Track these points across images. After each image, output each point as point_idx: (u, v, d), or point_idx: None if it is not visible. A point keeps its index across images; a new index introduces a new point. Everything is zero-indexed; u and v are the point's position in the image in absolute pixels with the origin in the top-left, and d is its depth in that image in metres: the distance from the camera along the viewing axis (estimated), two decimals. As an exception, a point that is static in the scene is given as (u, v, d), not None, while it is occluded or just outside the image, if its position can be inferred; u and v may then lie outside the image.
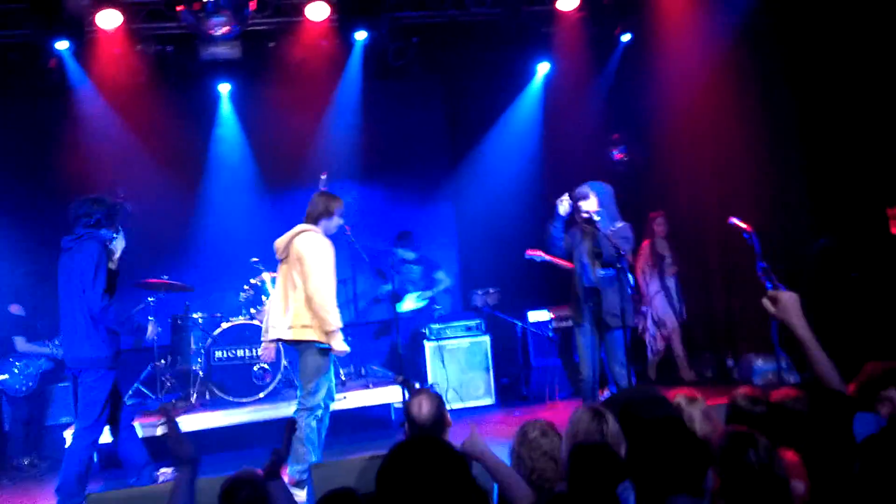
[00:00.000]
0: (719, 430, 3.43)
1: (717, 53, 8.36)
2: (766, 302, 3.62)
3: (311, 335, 5.91)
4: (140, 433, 6.57)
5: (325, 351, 5.97)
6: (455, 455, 2.51)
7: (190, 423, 7.20)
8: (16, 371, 7.69)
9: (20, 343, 7.73)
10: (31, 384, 7.74)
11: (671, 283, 8.87)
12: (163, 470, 6.35)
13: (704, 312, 9.14)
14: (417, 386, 6.32)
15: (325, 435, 6.13)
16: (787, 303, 3.60)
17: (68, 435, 6.92)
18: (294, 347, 6.10)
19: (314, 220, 6.13)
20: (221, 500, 3.56)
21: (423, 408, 4.06)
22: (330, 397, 6.15)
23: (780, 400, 3.83)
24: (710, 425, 3.67)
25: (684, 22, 8.46)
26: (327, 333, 5.87)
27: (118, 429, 6.35)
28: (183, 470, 3.48)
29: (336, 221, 6.18)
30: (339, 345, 5.93)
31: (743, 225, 6.85)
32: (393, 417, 7.73)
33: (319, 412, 6.01)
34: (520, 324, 8.83)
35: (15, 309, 7.72)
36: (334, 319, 5.87)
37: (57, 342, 7.64)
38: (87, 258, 6.08)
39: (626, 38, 9.22)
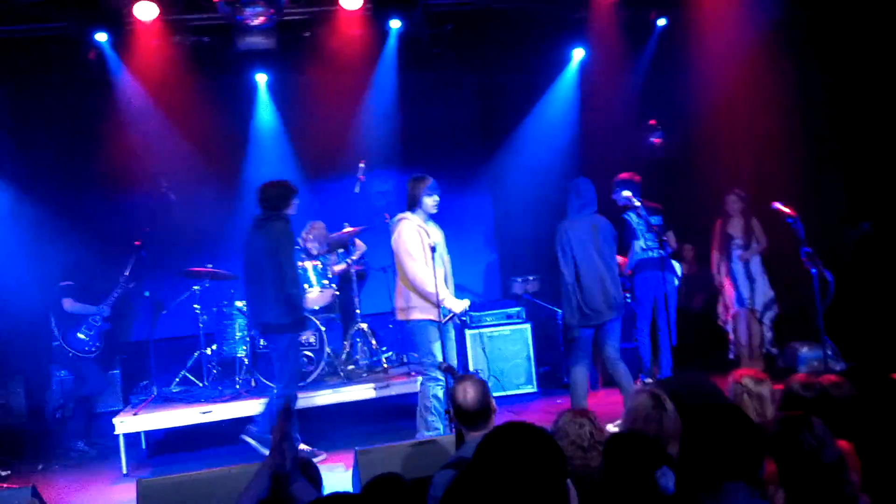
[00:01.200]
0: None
1: (753, 38, 8.31)
2: None
3: (414, 315, 6.38)
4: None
5: (428, 324, 6.35)
6: (551, 440, 2.56)
7: (234, 410, 7.32)
8: (85, 331, 7.80)
9: (68, 303, 7.78)
10: (98, 343, 7.83)
11: (739, 265, 8.50)
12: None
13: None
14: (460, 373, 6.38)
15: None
16: None
17: (117, 422, 7.10)
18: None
19: (409, 208, 6.56)
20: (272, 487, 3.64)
21: (468, 393, 4.11)
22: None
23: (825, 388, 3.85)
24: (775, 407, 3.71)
25: (720, 6, 8.40)
26: (438, 305, 6.25)
27: None
28: (272, 460, 3.53)
29: (427, 202, 6.50)
30: (454, 305, 6.34)
31: (786, 210, 6.83)
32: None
33: (442, 382, 6.30)
34: (560, 311, 8.82)
35: (68, 304, 7.83)
36: (433, 292, 6.23)
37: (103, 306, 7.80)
38: (280, 235, 6.64)
39: (661, 22, 9.19)
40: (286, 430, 3.63)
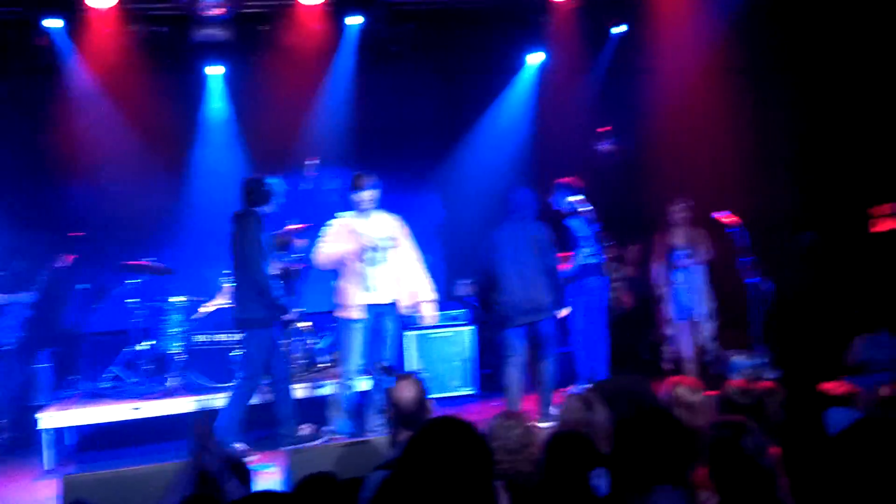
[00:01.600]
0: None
1: (709, 47, 8.37)
2: None
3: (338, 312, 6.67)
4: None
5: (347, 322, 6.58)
6: (478, 436, 2.52)
7: (166, 407, 7.17)
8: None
9: None
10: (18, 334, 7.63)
11: (681, 276, 8.16)
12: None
13: None
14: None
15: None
16: None
17: (42, 417, 6.90)
18: None
19: None
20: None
21: (405, 394, 4.08)
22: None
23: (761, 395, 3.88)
24: (708, 415, 3.71)
25: (678, 15, 8.48)
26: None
27: None
28: (195, 458, 3.44)
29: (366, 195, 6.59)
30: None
31: (728, 219, 6.85)
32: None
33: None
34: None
35: None
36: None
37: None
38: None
39: (619, 29, 9.20)
40: (208, 427, 3.58)
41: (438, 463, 2.40)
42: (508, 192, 7.25)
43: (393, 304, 6.72)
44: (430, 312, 6.92)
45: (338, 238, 6.51)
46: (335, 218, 6.71)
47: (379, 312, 6.59)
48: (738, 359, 7.81)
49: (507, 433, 3.40)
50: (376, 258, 6.43)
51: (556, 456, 3.12)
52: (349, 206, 6.79)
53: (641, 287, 8.75)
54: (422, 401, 4.12)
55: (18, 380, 7.83)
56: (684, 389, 4.05)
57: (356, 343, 6.47)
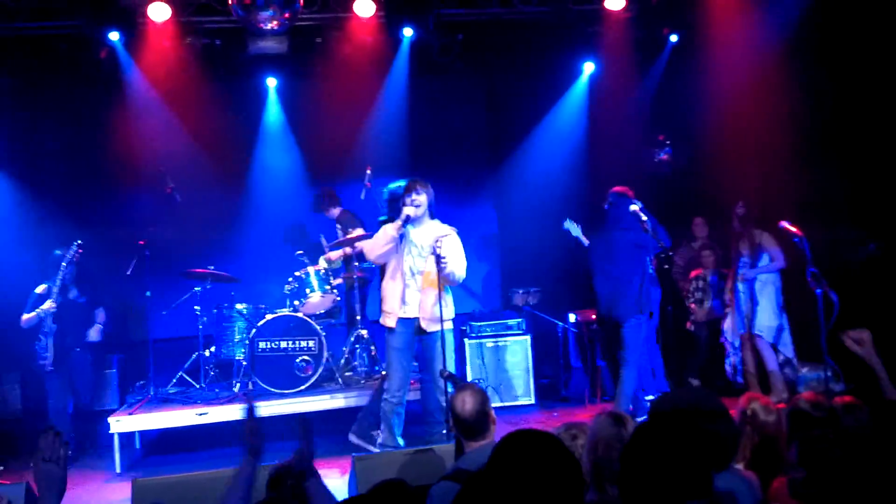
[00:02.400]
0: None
1: (764, 56, 8.28)
2: (849, 342, 3.68)
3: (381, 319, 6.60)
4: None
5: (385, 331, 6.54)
6: (569, 455, 2.43)
7: (231, 412, 7.29)
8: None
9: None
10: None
11: (744, 285, 8.02)
12: None
13: None
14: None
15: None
16: (868, 342, 3.64)
17: (113, 421, 7.09)
18: None
19: None
20: (269, 487, 3.60)
21: (466, 404, 4.05)
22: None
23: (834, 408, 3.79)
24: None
25: (732, 23, 8.38)
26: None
27: None
28: (248, 460, 3.49)
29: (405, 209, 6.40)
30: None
31: (793, 229, 6.80)
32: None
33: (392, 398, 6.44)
34: (560, 324, 8.81)
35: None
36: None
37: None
38: None
39: (673, 38, 9.21)
40: (257, 425, 3.61)
41: (526, 476, 2.32)
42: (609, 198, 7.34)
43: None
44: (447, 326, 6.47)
45: (386, 239, 6.39)
46: (387, 220, 6.67)
47: (417, 325, 6.45)
48: (805, 371, 7.77)
49: (615, 433, 3.32)
50: (418, 268, 6.40)
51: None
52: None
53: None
54: (484, 411, 4.12)
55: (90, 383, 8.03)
56: (759, 406, 3.97)
57: (397, 355, 6.43)
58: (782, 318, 7.90)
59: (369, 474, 4.72)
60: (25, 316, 7.46)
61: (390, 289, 6.41)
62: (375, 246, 6.44)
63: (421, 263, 6.40)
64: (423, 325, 6.39)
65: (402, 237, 6.35)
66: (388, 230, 6.34)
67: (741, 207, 8.05)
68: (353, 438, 6.83)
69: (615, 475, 3.10)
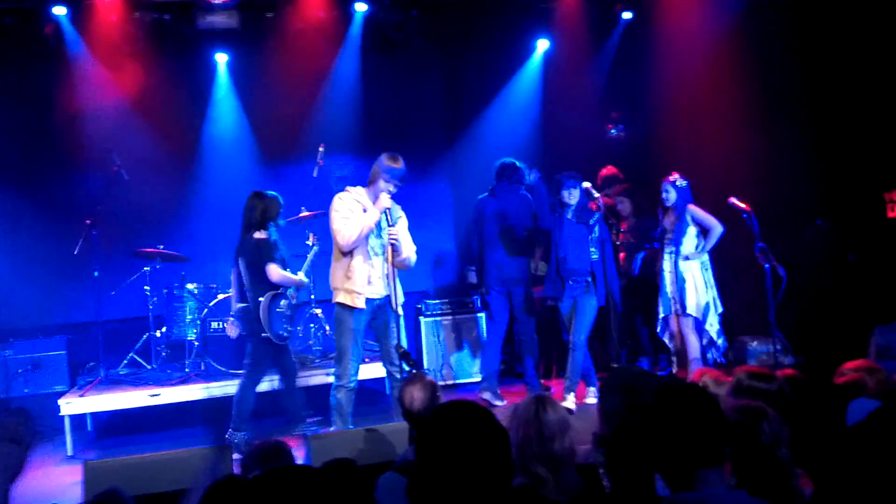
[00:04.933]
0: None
1: (718, 30, 8.38)
2: None
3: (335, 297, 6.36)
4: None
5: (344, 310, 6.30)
6: (501, 430, 2.45)
7: (183, 393, 7.23)
8: None
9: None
10: None
11: (667, 265, 7.66)
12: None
13: None
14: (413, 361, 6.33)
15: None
16: None
17: (63, 403, 6.99)
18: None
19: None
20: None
21: (416, 400, 4.06)
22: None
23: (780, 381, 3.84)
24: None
25: (686, 0, 8.46)
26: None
27: None
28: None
29: (380, 185, 6.25)
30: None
31: (742, 205, 6.89)
32: (388, 392, 7.71)
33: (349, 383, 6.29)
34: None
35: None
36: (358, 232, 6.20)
37: None
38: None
39: (626, 15, 9.25)
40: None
41: (454, 448, 2.35)
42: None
43: (388, 297, 6.41)
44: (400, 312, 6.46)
45: (356, 213, 6.22)
46: (343, 191, 6.39)
47: (378, 305, 6.39)
48: (754, 345, 7.87)
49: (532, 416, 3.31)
50: (381, 248, 6.33)
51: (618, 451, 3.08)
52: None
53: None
54: (434, 402, 4.13)
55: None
56: (709, 380, 4.04)
57: (355, 336, 6.29)
58: (709, 293, 7.51)
59: (324, 453, 4.69)
60: None
61: (358, 268, 6.23)
62: (353, 234, 6.15)
63: (380, 243, 6.34)
64: (395, 304, 6.31)
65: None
66: (367, 222, 6.16)
67: (665, 184, 7.55)
68: None
69: (538, 455, 3.16)
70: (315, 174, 8.16)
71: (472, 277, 8.65)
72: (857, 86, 7.54)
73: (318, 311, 8.17)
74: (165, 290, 8.07)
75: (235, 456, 4.78)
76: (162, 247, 7.97)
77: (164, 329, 8.01)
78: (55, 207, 8.53)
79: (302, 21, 8.80)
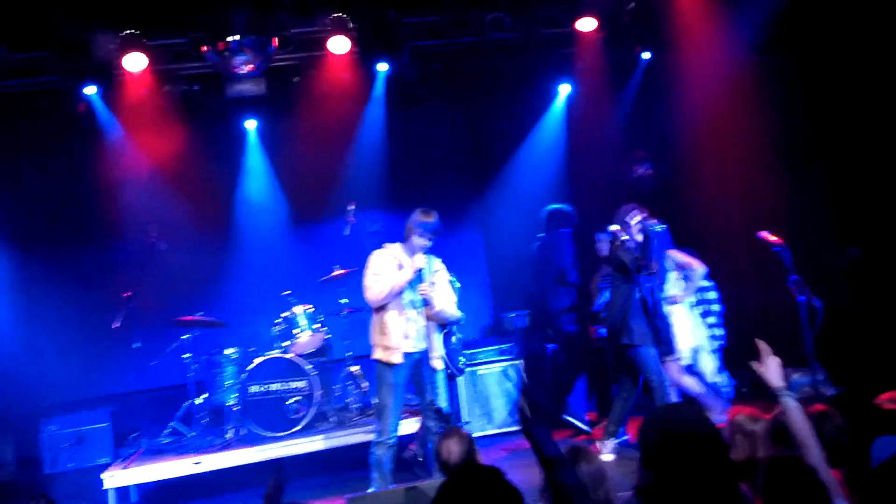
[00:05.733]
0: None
1: (736, 68, 8.37)
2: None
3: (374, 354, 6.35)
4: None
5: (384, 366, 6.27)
6: (512, 490, 2.49)
7: (225, 460, 7.25)
8: None
9: None
10: None
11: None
12: None
13: (738, 328, 8.82)
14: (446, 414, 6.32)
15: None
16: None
17: (106, 476, 7.04)
18: None
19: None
20: None
21: (453, 453, 4.07)
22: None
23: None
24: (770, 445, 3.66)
25: (703, 38, 8.48)
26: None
27: None
28: None
29: (416, 241, 6.26)
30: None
31: (773, 238, 6.81)
32: (429, 447, 7.65)
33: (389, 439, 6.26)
34: (551, 346, 8.77)
35: None
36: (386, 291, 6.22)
37: None
38: None
39: (646, 56, 9.26)
40: (280, 482, 3.57)
41: None
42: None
43: (425, 351, 6.42)
44: (438, 366, 6.47)
45: (388, 270, 6.26)
46: (381, 249, 6.45)
47: (417, 359, 6.38)
48: (796, 377, 7.70)
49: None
50: (419, 301, 6.32)
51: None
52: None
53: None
54: (469, 456, 4.11)
55: None
56: (744, 418, 4.00)
57: (395, 392, 6.27)
58: (698, 335, 7.52)
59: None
60: None
61: (393, 323, 6.24)
62: (383, 291, 6.19)
63: (418, 298, 6.33)
64: (433, 361, 6.33)
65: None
66: (398, 280, 6.18)
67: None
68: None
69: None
70: (346, 232, 8.21)
71: (509, 324, 8.65)
72: (878, 113, 7.46)
73: (356, 367, 8.16)
74: (205, 357, 8.14)
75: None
76: (200, 314, 8.06)
77: (205, 395, 8.07)
78: (94, 280, 8.71)
79: (327, 84, 8.89)
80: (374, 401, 7.81)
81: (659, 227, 7.25)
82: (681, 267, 7.51)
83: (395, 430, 6.35)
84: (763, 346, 3.63)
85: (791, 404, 3.40)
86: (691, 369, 7.42)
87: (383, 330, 6.29)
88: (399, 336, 6.25)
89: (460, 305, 7.08)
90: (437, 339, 6.43)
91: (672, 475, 3.02)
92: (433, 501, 2.52)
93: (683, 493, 2.78)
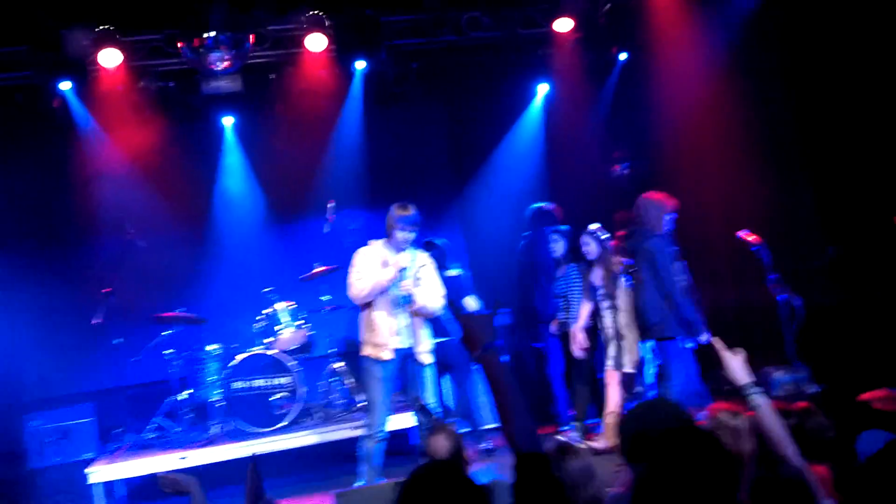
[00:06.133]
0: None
1: (712, 67, 8.52)
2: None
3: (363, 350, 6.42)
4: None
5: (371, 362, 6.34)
6: (473, 486, 2.49)
7: (211, 455, 7.25)
8: None
9: None
10: None
11: (606, 320, 7.51)
12: None
13: (718, 328, 8.81)
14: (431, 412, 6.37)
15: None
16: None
17: (91, 472, 7.02)
18: None
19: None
20: None
21: (440, 449, 4.11)
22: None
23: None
24: (753, 440, 3.58)
25: (680, 37, 8.62)
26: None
27: None
28: None
29: (398, 236, 6.34)
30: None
31: (751, 238, 6.97)
32: (410, 443, 7.74)
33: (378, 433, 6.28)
34: (542, 344, 8.82)
35: None
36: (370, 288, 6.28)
37: None
38: None
39: (622, 56, 9.41)
40: (258, 488, 3.58)
41: None
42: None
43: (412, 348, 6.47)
44: (427, 361, 6.51)
45: (372, 268, 6.31)
46: (364, 246, 6.51)
47: (406, 354, 6.42)
48: (778, 375, 7.88)
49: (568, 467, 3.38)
50: (404, 297, 6.35)
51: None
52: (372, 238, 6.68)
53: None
54: (459, 453, 4.18)
55: None
56: (725, 414, 4.05)
57: (384, 387, 6.31)
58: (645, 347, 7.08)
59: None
60: None
61: (381, 320, 6.30)
62: (365, 289, 6.26)
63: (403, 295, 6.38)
64: (421, 356, 6.39)
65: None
66: (381, 279, 6.24)
67: (591, 234, 7.44)
68: None
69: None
70: (326, 230, 8.23)
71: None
72: (859, 110, 7.62)
73: (340, 364, 8.20)
74: (187, 353, 8.10)
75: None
76: (181, 310, 8.04)
77: (189, 391, 8.04)
78: (73, 276, 8.64)
79: (304, 81, 8.91)
80: (360, 397, 7.95)
81: (602, 234, 7.42)
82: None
83: (384, 425, 6.39)
84: (718, 343, 3.62)
85: (760, 401, 3.38)
86: (636, 382, 7.17)
87: (371, 327, 6.35)
88: (387, 333, 6.30)
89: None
90: (424, 334, 6.48)
91: (661, 469, 3.13)
92: (397, 499, 2.50)
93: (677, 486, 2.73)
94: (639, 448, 3.38)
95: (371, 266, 6.32)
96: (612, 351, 7.30)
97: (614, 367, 7.26)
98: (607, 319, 7.37)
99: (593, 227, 7.50)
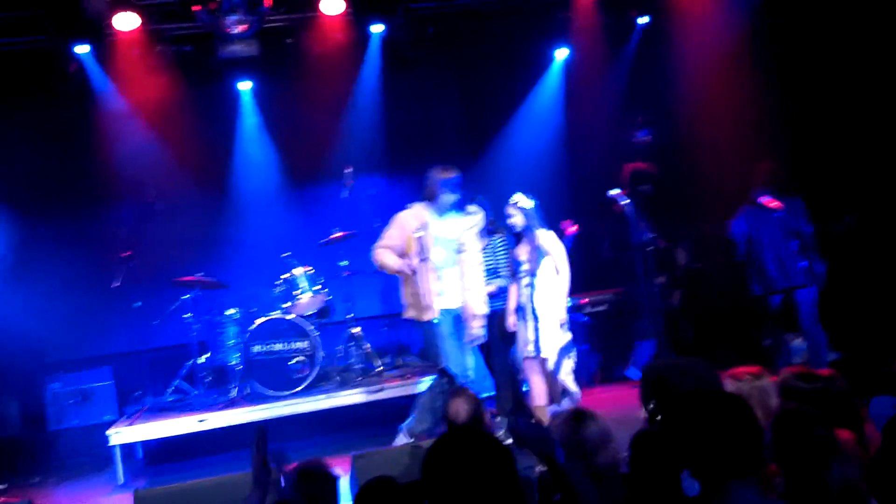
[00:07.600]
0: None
1: (734, 29, 8.42)
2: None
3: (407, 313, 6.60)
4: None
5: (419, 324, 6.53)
6: (499, 447, 2.48)
7: (230, 417, 7.32)
8: None
9: None
10: None
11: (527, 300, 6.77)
12: None
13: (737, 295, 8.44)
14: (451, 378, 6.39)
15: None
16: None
17: (112, 433, 7.11)
18: None
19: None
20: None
21: (461, 413, 4.14)
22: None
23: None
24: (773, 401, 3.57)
25: (699, 3, 8.52)
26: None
27: None
28: (255, 492, 3.49)
29: (443, 199, 6.50)
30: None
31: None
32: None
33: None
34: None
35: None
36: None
37: None
38: None
39: (642, 20, 9.30)
40: (264, 453, 3.59)
41: (457, 478, 2.38)
42: None
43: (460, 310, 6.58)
44: (477, 326, 6.53)
45: (404, 235, 6.44)
46: (406, 209, 6.61)
47: (455, 316, 6.53)
48: (797, 342, 7.83)
49: (571, 430, 3.38)
50: (449, 259, 6.42)
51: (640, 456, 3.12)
52: (388, 212, 6.88)
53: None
54: (479, 417, 4.20)
55: None
56: (749, 376, 4.04)
57: (442, 343, 6.35)
58: (566, 335, 6.61)
59: (369, 472, 4.75)
60: None
61: (425, 285, 6.37)
62: (377, 262, 6.58)
63: (450, 257, 6.49)
64: (471, 319, 6.47)
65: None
66: (393, 265, 6.48)
67: (514, 205, 6.84)
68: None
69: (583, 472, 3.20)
70: (345, 195, 8.23)
71: None
72: (881, 77, 7.53)
73: (357, 329, 8.24)
74: (206, 317, 8.16)
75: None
76: (201, 274, 8.08)
77: (207, 355, 8.11)
78: (93, 240, 8.68)
79: (320, 45, 8.88)
80: (377, 362, 7.99)
81: (525, 203, 6.86)
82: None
83: (465, 371, 6.36)
84: None
85: None
86: (555, 373, 6.59)
87: (414, 290, 6.47)
88: (430, 295, 6.37)
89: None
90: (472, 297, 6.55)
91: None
92: (422, 464, 2.49)
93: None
94: (663, 404, 3.43)
95: (405, 231, 6.44)
96: (530, 335, 6.60)
97: (533, 354, 6.57)
98: (524, 299, 6.66)
99: (515, 198, 6.89)
